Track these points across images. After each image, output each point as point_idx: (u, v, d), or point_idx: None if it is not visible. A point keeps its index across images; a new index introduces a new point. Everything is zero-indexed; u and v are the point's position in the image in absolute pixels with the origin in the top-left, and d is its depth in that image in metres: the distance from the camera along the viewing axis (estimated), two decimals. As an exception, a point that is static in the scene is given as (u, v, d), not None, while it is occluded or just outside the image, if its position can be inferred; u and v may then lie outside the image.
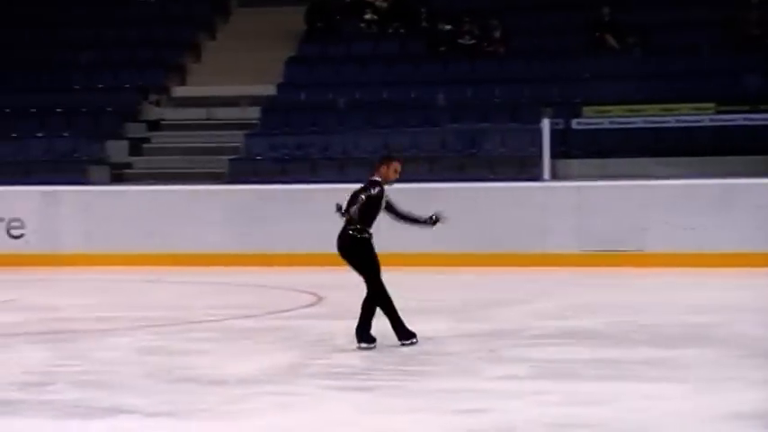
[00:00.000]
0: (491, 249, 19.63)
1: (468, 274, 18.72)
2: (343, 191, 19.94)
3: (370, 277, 11.50)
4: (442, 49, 24.58)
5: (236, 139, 23.39)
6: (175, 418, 8.67)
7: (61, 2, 27.10)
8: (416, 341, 11.59)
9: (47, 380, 10.16)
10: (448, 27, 24.63)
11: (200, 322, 14.00)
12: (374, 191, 11.47)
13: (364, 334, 11.50)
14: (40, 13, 26.61)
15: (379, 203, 11.51)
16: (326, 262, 19.25)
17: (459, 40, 24.50)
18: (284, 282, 17.72)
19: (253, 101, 24.29)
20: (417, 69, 24.41)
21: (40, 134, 23.91)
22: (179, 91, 25.48)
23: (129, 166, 23.55)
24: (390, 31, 25.38)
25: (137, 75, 25.40)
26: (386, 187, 11.61)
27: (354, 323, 13.28)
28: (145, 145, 24.19)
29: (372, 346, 11.46)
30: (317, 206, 20.31)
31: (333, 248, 20.09)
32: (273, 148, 22.86)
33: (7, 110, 24.51)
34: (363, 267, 11.52)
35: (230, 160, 22.75)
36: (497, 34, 24.39)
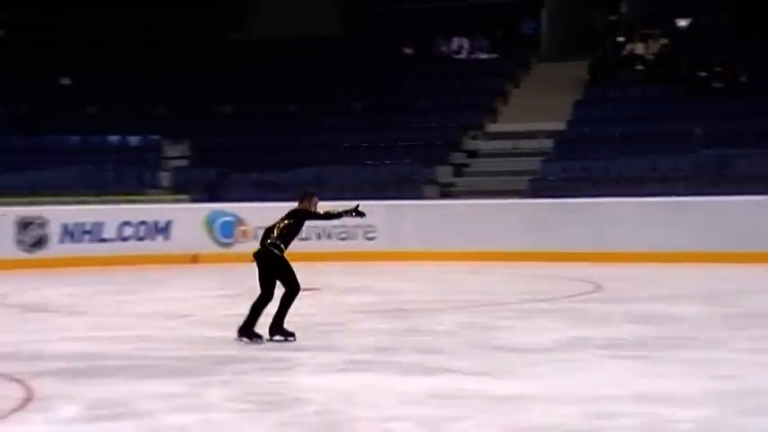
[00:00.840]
0: (739, 249, 18.93)
1: (720, 269, 18.11)
2: (620, 204, 19.90)
3: (287, 283, 10.41)
4: (698, 91, 23.87)
5: (533, 164, 23.31)
6: (488, 376, 8.72)
7: (402, 62, 27.68)
8: (294, 339, 10.41)
9: (393, 346, 10.34)
10: (703, 74, 23.89)
11: (506, 304, 14.03)
12: (297, 219, 10.64)
13: (282, 330, 10.46)
14: (383, 72, 27.30)
15: (299, 229, 10.69)
16: (604, 259, 19.17)
17: (713, 84, 23.74)
18: (570, 274, 17.55)
19: (547, 134, 24.17)
20: (677, 107, 23.75)
21: (387, 161, 24.46)
22: (491, 127, 25.59)
23: (453, 185, 23.79)
24: (656, 78, 24.81)
25: (460, 115, 25.65)
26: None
27: (626, 307, 13.09)
28: (465, 169, 24.39)
29: (292, 339, 10.42)
30: (596, 215, 20.14)
31: (609, 247, 19.89)
32: (563, 170, 22.67)
33: (365, 144, 25.19)
34: (283, 277, 10.42)
35: (529, 180, 22.70)
36: (743, 79, 23.53)
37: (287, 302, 10.47)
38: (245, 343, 10.39)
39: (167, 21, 29.08)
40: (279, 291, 10.54)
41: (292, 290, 10.45)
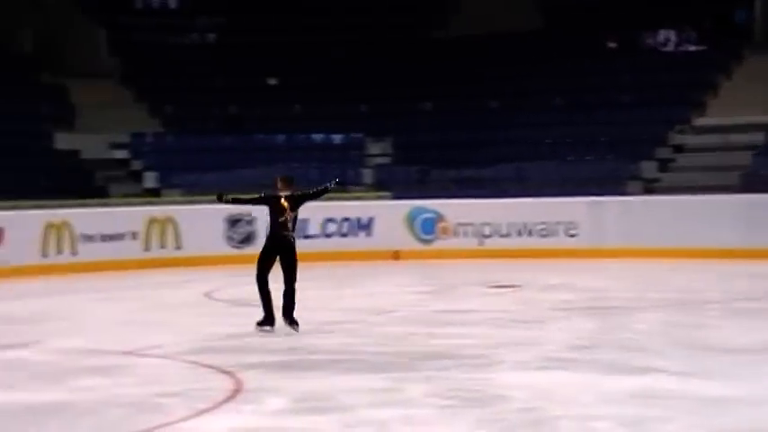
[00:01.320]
0: None
1: None
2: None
3: (295, 276, 11.16)
4: None
5: (744, 158, 22.63)
6: (693, 377, 8.55)
7: (604, 55, 27.27)
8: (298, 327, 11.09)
9: (594, 344, 10.26)
10: None
11: (713, 303, 13.68)
12: (298, 207, 11.31)
13: (292, 319, 11.13)
14: (585, 66, 26.97)
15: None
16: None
17: None
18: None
19: (760, 127, 23.41)
20: None
21: (588, 158, 24.18)
22: (699, 121, 24.93)
23: (657, 180, 23.33)
24: None
25: (666, 110, 25.10)
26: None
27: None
28: (670, 164, 23.89)
29: (297, 327, 11.09)
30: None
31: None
32: (777, 165, 21.98)
33: (567, 139, 24.95)
34: (294, 272, 11.16)
35: (740, 175, 22.03)
36: None
37: (293, 295, 11.09)
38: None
39: (371, 20, 29.57)
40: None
41: (294, 284, 11.10)
